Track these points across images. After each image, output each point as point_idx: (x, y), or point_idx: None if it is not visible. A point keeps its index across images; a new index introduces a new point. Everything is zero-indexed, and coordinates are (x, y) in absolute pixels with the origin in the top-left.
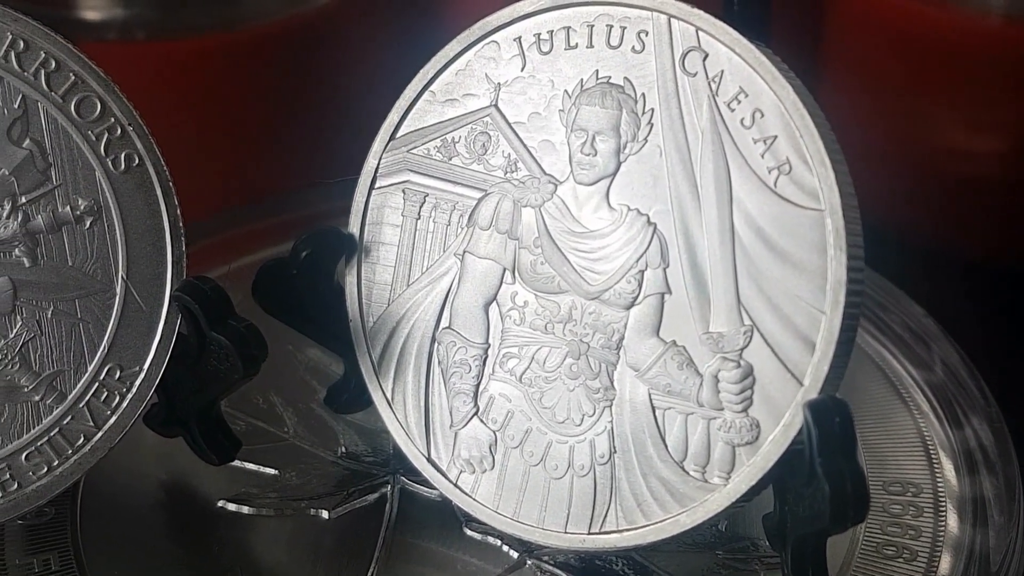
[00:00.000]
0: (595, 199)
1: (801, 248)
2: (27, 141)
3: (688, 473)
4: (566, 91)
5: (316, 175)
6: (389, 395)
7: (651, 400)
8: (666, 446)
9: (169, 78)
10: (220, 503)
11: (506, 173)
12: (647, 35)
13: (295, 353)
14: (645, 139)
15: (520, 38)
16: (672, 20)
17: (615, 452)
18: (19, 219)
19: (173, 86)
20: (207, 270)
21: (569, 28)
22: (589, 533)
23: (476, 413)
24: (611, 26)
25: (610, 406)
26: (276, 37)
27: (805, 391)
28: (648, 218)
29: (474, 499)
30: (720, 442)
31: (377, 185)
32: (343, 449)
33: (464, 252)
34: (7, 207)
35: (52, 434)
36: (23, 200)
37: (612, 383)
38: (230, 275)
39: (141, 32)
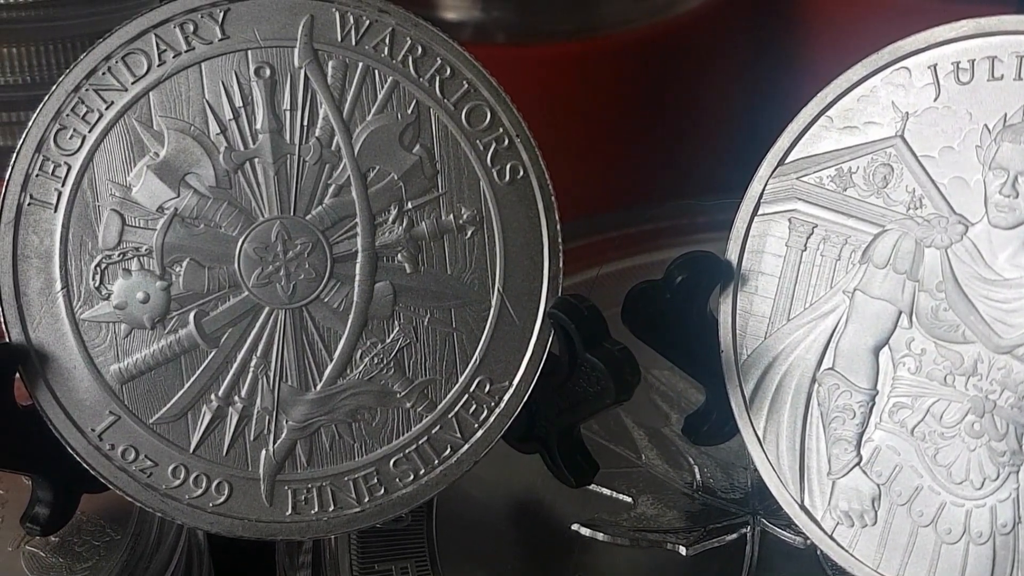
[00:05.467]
0: (1013, 245)
1: None
2: (417, 147)
3: None
4: (986, 126)
5: (666, 186)
6: (760, 433)
7: None
8: None
9: (525, 82)
10: (574, 527)
11: (909, 209)
12: None
13: (645, 374)
14: None
15: (935, 66)
16: None
17: (1020, 522)
18: (404, 224)
19: (528, 90)
20: (571, 274)
21: (995, 58)
22: None
23: (858, 463)
24: None
25: (1017, 472)
26: (634, 46)
27: None
28: None
29: (851, 554)
30: None
31: (761, 211)
32: (698, 481)
33: (855, 290)
34: (393, 212)
35: (420, 442)
36: (409, 206)
37: (1021, 447)
38: (597, 280)
39: (500, 35)
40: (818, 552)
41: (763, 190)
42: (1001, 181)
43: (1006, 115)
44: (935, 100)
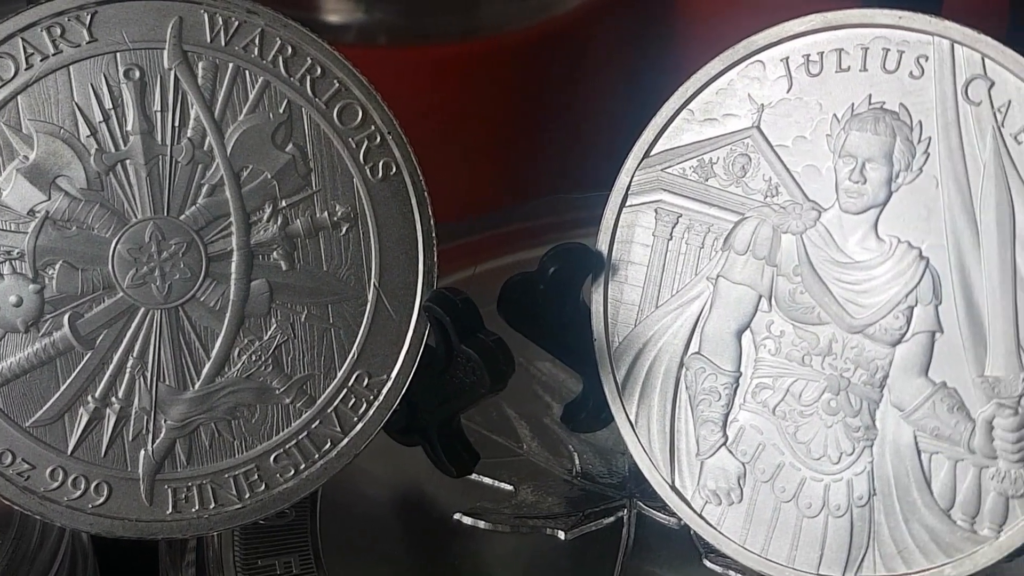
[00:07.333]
0: (862, 229)
1: None
2: (290, 146)
3: (955, 522)
4: (835, 115)
5: (548, 184)
6: (632, 418)
7: (916, 443)
8: (931, 492)
9: (408, 84)
10: (456, 516)
11: (766, 197)
12: (927, 60)
13: (527, 366)
14: (920, 169)
15: (787, 59)
16: (955, 46)
17: (875, 494)
18: (279, 222)
19: (412, 92)
20: (448, 273)
21: (841, 50)
22: None
23: (724, 443)
24: (888, 50)
25: (871, 446)
26: (514, 47)
27: None
28: (920, 252)
29: (719, 531)
30: (992, 492)
31: (628, 203)
32: (578, 468)
33: (718, 276)
34: (268, 210)
35: (300, 437)
36: (283, 204)
37: (874, 422)
38: (474, 278)
39: (382, 37)
40: (691, 531)
41: (630, 182)
42: (850, 168)
43: (853, 104)
44: (788, 92)
